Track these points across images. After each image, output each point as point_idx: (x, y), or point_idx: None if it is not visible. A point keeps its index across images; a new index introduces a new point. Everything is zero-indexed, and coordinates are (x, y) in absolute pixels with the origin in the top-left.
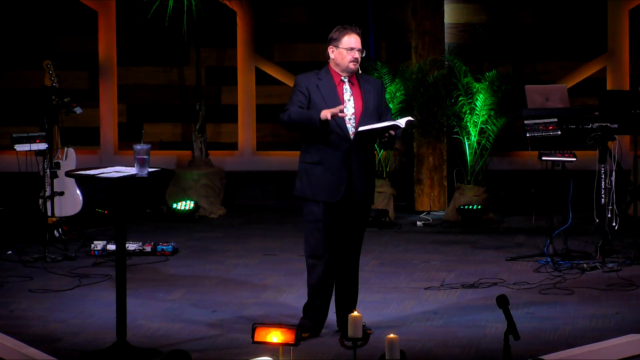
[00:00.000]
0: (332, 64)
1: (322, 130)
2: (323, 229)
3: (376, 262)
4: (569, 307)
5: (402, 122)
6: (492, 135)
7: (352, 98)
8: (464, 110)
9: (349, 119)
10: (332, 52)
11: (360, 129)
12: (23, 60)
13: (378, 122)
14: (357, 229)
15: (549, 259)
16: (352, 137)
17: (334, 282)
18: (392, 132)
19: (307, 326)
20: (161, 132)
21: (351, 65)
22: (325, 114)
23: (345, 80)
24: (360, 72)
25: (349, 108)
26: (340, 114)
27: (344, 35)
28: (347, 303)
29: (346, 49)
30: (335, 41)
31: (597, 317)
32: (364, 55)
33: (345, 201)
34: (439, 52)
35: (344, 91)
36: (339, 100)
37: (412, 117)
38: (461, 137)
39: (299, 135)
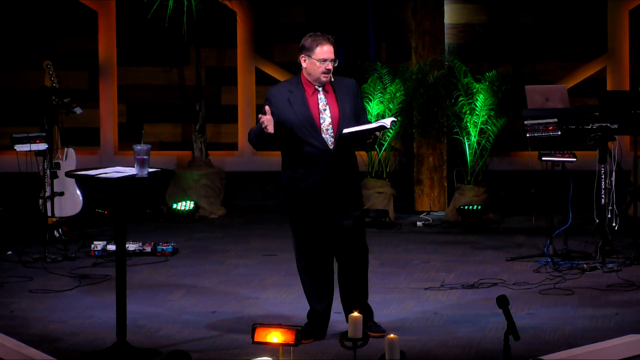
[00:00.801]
0: (304, 73)
1: (271, 135)
2: (309, 241)
3: (376, 262)
4: (569, 307)
5: (387, 122)
6: (492, 135)
7: (327, 107)
8: (464, 111)
9: (326, 130)
10: (304, 62)
11: (345, 131)
12: (23, 60)
13: (356, 125)
14: (352, 235)
15: (549, 259)
16: (331, 147)
17: (330, 288)
18: (378, 133)
19: (309, 332)
20: (161, 133)
21: (322, 77)
22: (267, 128)
23: (320, 89)
24: (332, 79)
25: (326, 118)
26: (261, 118)
27: (316, 45)
28: (352, 308)
29: (319, 60)
30: (307, 50)
31: (597, 317)
32: (336, 64)
33: (331, 212)
34: (439, 52)
35: (319, 101)
36: (311, 114)
37: (412, 117)
38: (461, 138)
39: None
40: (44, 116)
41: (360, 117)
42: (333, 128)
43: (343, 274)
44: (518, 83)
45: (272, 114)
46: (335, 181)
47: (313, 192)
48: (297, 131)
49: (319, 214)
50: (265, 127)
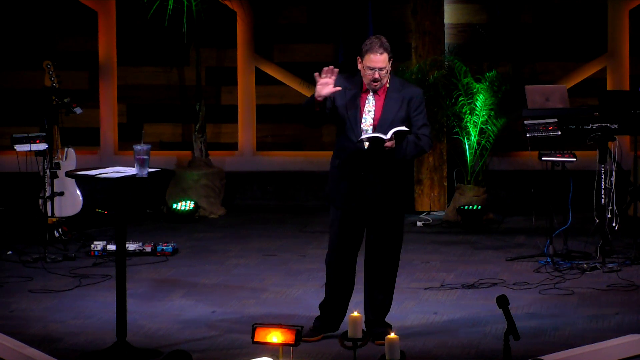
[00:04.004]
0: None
1: (323, 110)
2: (338, 232)
3: None
4: (569, 307)
5: (387, 135)
6: (492, 135)
7: (373, 109)
8: (464, 111)
9: (365, 130)
10: (359, 64)
11: (361, 137)
12: (23, 60)
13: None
14: (382, 237)
15: (549, 259)
16: (366, 147)
17: (351, 283)
18: (386, 145)
19: (318, 327)
20: (161, 133)
21: (371, 84)
22: (317, 88)
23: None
24: (388, 85)
25: (368, 119)
26: (323, 74)
27: (367, 52)
28: (372, 310)
29: (367, 67)
30: (362, 53)
31: (597, 317)
32: (389, 69)
33: (362, 209)
34: (439, 52)
35: (367, 101)
36: (359, 107)
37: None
38: (461, 138)
39: (298, 135)
40: (44, 116)
41: (414, 126)
42: (372, 130)
43: (367, 276)
44: (518, 83)
45: (330, 98)
46: (365, 179)
47: (342, 184)
48: (342, 122)
49: (345, 207)
50: (317, 86)
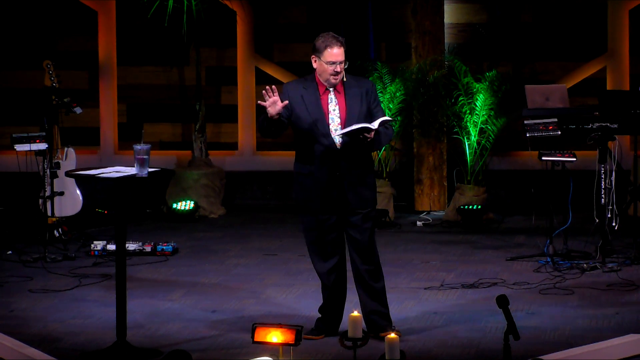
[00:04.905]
0: (316, 73)
1: (281, 120)
2: (317, 239)
3: None
4: (569, 307)
5: (375, 123)
6: (492, 135)
7: (337, 107)
8: (464, 110)
9: (335, 130)
10: (315, 62)
11: (337, 133)
12: (23, 60)
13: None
14: (361, 237)
15: (549, 259)
16: (339, 147)
17: (343, 286)
18: (367, 135)
19: (321, 328)
20: (161, 132)
21: (331, 79)
22: (268, 110)
23: (331, 89)
24: (345, 79)
25: (334, 118)
26: (266, 96)
27: (325, 48)
28: (368, 306)
29: (327, 62)
30: (317, 52)
31: (597, 317)
32: (346, 66)
33: (339, 211)
34: (439, 52)
35: (329, 101)
36: (322, 111)
37: (412, 116)
38: (461, 137)
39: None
40: (44, 116)
41: (375, 117)
42: (341, 128)
43: (356, 274)
44: (518, 83)
45: (286, 108)
46: (341, 180)
47: (318, 190)
48: (307, 129)
49: (324, 212)
50: (267, 108)
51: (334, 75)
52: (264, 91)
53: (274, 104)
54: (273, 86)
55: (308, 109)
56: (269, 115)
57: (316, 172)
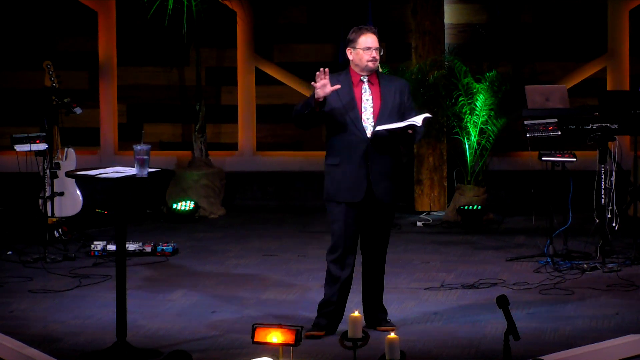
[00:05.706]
0: (352, 65)
1: (322, 112)
2: (343, 229)
3: None
4: (569, 307)
5: (418, 120)
6: (492, 135)
7: (371, 97)
8: (464, 111)
9: (367, 119)
10: (351, 54)
11: (377, 129)
12: (23, 60)
13: (399, 121)
14: (380, 229)
15: (549, 259)
16: (369, 137)
17: (350, 283)
18: (410, 131)
19: (321, 324)
20: (161, 133)
21: (370, 64)
22: (317, 91)
23: (365, 80)
24: (381, 71)
25: (368, 108)
26: (319, 78)
27: (360, 36)
28: (372, 302)
29: (363, 49)
30: (352, 42)
31: (597, 317)
32: (382, 53)
33: (366, 202)
34: (439, 52)
35: (363, 91)
36: (354, 100)
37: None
38: (461, 138)
39: (298, 135)
40: (44, 116)
41: (406, 114)
42: (374, 119)
43: (365, 265)
44: (518, 83)
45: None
46: (370, 170)
47: (347, 180)
48: (339, 118)
49: (352, 202)
50: (317, 90)
51: (372, 60)
52: (317, 72)
53: (324, 86)
54: (326, 69)
55: (341, 97)
56: (316, 96)
57: (345, 162)
